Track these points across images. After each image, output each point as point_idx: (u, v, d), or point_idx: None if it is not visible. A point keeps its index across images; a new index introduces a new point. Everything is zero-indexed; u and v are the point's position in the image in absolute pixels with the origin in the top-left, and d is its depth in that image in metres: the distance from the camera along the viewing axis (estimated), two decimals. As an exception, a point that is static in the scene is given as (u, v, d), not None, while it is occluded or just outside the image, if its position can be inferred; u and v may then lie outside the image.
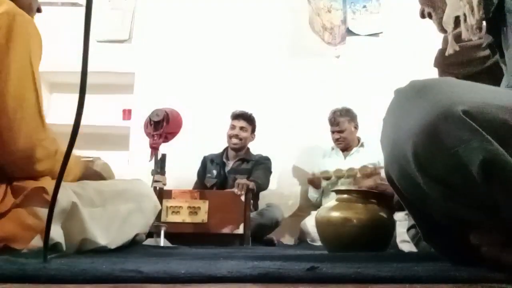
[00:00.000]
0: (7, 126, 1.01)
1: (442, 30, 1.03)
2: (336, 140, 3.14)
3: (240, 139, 3.06)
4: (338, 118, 3.08)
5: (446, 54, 1.01)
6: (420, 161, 0.66)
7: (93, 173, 1.38)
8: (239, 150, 3.10)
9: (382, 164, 2.69)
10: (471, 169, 0.61)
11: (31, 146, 1.04)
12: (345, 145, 3.13)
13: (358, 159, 2.99)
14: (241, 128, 3.07)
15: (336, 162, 3.06)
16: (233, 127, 3.08)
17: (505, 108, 0.63)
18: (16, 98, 1.02)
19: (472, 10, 0.87)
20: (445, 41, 1.11)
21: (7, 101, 1.01)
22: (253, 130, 3.13)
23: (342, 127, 3.08)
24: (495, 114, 0.62)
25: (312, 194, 3.14)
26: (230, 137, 3.08)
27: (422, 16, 1.11)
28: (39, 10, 1.29)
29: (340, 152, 3.17)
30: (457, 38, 0.94)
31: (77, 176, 1.26)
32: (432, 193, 0.69)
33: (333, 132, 3.14)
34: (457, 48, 0.97)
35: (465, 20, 0.88)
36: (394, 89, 0.78)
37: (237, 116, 3.09)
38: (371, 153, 2.94)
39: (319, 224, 1.45)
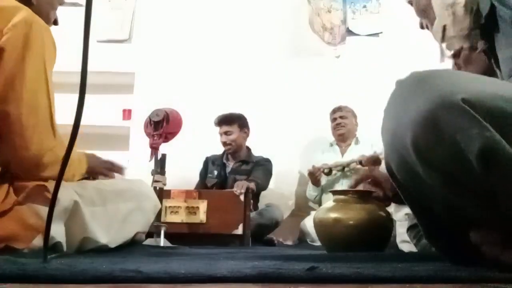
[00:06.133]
0: (19, 132, 1.03)
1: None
2: (337, 125, 3.14)
3: (230, 144, 3.03)
4: (342, 107, 3.18)
5: (440, 62, 1.03)
6: (420, 149, 0.67)
7: (101, 162, 1.40)
8: (236, 152, 3.07)
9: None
10: (469, 156, 0.62)
11: (41, 153, 1.06)
12: (346, 132, 3.14)
13: (354, 157, 2.99)
14: (226, 133, 3.02)
15: (334, 159, 3.08)
16: (220, 134, 3.05)
17: (504, 97, 0.63)
18: (29, 105, 1.04)
19: (456, 20, 0.89)
20: None
21: (21, 108, 1.03)
22: (241, 127, 3.04)
23: (345, 114, 3.15)
24: (495, 102, 0.62)
25: (311, 192, 3.13)
26: (222, 144, 3.07)
27: (421, 27, 1.13)
28: (55, 23, 1.31)
29: (338, 149, 3.18)
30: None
31: (83, 172, 1.28)
32: (432, 182, 0.69)
33: (335, 119, 3.15)
34: (448, 55, 0.99)
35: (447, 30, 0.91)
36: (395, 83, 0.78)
37: (218, 123, 3.05)
38: (368, 152, 2.95)
39: (318, 225, 1.44)
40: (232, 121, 3.03)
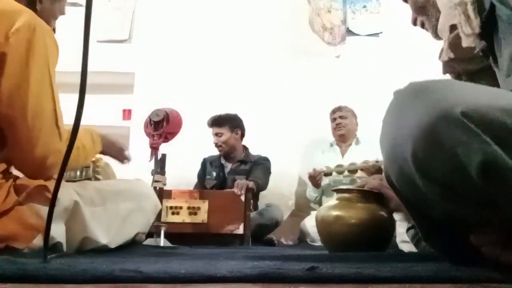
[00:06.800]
0: (26, 135, 1.04)
1: (437, 37, 1.04)
2: (337, 126, 3.14)
3: (221, 145, 3.02)
4: (342, 107, 3.18)
5: (440, 59, 1.02)
6: (419, 162, 0.66)
7: (115, 146, 1.46)
8: (230, 153, 3.06)
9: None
10: (469, 170, 0.61)
11: (47, 155, 1.06)
12: (346, 132, 3.14)
13: (355, 157, 2.99)
14: (217, 134, 3.02)
15: (334, 159, 3.07)
16: (213, 136, 3.05)
17: (504, 110, 0.63)
18: (35, 109, 1.04)
19: (468, 18, 0.88)
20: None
21: (27, 112, 1.03)
22: (232, 128, 3.02)
23: (345, 114, 3.15)
24: (494, 115, 0.62)
25: (311, 193, 3.13)
26: (214, 146, 3.07)
27: (414, 24, 1.12)
28: (53, 32, 1.30)
29: (338, 149, 3.18)
30: (458, 44, 0.94)
31: (97, 153, 1.34)
32: (431, 194, 0.69)
33: (335, 119, 3.15)
34: (452, 56, 0.98)
35: (462, 29, 0.89)
36: (393, 90, 0.78)
37: (209, 125, 3.04)
38: (368, 152, 2.94)
39: (319, 223, 1.44)
40: (222, 123, 3.01)
